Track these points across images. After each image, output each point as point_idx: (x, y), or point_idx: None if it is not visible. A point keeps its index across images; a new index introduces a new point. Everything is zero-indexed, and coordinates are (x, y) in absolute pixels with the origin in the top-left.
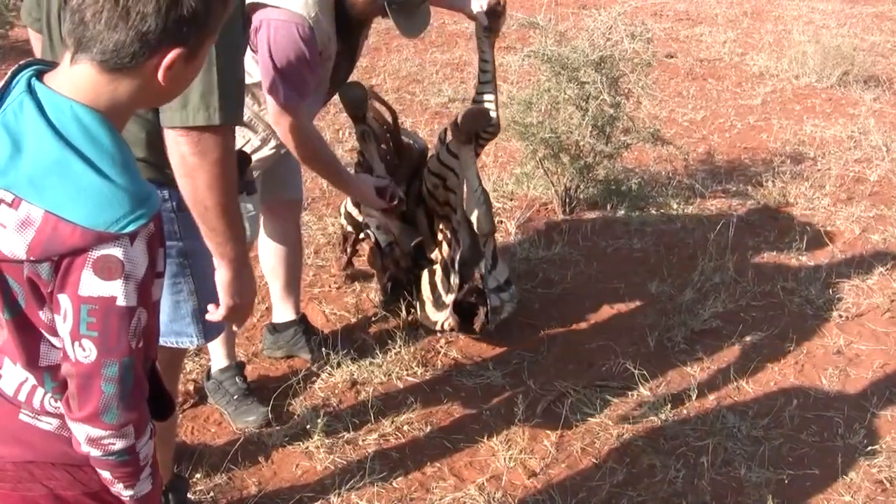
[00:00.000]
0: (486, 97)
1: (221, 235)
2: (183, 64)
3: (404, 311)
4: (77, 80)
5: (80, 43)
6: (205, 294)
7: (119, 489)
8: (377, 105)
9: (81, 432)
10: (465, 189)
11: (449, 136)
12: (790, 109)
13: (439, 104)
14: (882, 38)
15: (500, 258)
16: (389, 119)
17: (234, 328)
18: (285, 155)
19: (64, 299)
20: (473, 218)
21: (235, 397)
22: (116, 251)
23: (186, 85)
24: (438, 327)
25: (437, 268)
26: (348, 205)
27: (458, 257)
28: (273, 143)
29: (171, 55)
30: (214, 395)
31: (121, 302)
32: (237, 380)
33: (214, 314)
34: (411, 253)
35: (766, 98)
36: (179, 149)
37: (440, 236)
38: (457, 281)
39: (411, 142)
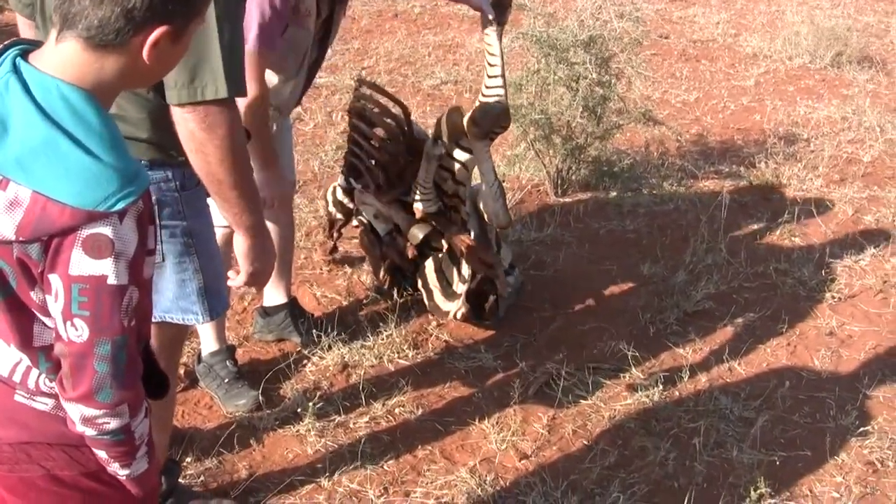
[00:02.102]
0: (497, 91)
1: (237, 206)
2: (169, 43)
3: (396, 294)
4: (63, 59)
5: (65, 19)
6: (210, 272)
7: (115, 468)
8: (382, 99)
9: (76, 412)
10: (481, 182)
11: (444, 132)
12: (783, 90)
13: (431, 86)
14: (875, 19)
15: (503, 243)
16: (400, 113)
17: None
18: (278, 139)
19: (55, 279)
20: (490, 211)
21: (226, 381)
22: (106, 229)
23: (172, 65)
24: (451, 317)
25: (442, 255)
26: (339, 193)
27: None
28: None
29: (157, 33)
30: (205, 379)
31: (112, 280)
32: (228, 363)
33: (235, 280)
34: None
35: (759, 79)
36: (187, 125)
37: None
38: (469, 272)
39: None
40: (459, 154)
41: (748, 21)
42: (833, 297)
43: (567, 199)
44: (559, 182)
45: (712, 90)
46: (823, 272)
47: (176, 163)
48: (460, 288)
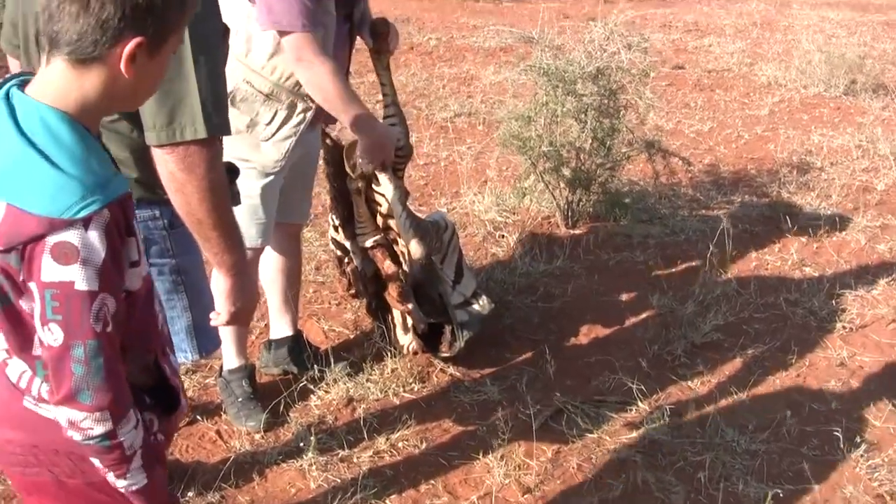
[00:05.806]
0: (390, 121)
1: (217, 246)
2: (146, 56)
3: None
4: (48, 81)
5: (51, 40)
6: (199, 310)
7: (112, 479)
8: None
9: (63, 415)
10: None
11: (347, 167)
12: (798, 119)
13: (444, 119)
14: (892, 47)
15: (466, 271)
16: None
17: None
18: (300, 180)
19: (33, 287)
20: (406, 243)
21: (240, 399)
22: (72, 237)
23: (153, 83)
24: (405, 350)
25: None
26: (331, 230)
27: (410, 280)
28: (300, 106)
29: (132, 44)
30: (222, 393)
31: (80, 286)
32: (244, 383)
33: (217, 320)
34: (374, 279)
35: (773, 108)
36: (167, 166)
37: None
38: (411, 304)
39: None
40: (376, 187)
41: (763, 50)
42: (844, 328)
43: (577, 231)
44: (569, 213)
45: (727, 120)
46: (834, 302)
47: (163, 200)
48: (410, 322)
